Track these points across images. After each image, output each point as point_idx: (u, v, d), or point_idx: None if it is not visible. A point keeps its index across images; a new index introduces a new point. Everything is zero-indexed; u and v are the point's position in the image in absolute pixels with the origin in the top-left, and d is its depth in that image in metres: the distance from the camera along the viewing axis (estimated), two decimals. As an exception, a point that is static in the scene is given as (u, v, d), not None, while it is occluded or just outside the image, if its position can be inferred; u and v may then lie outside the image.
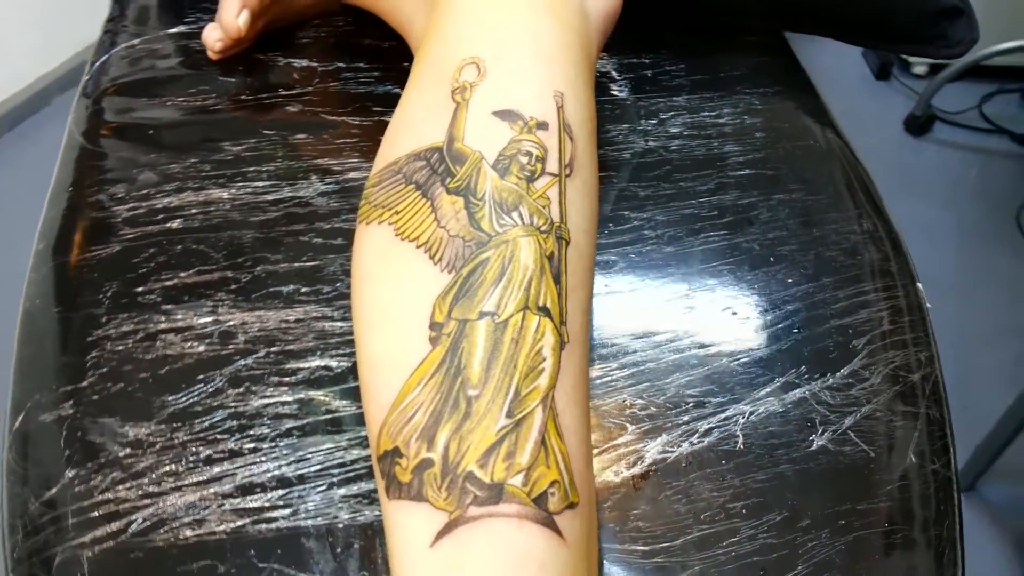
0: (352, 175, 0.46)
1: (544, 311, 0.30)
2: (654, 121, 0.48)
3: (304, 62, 0.53)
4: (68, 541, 0.32)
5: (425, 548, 0.27)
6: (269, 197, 0.44)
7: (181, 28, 0.55)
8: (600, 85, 0.51)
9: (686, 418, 0.34)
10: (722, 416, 0.34)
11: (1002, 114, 2.00)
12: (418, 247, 0.31)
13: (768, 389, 0.35)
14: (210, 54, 0.51)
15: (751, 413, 0.34)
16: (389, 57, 0.53)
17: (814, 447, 0.33)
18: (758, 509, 0.32)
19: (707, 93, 0.49)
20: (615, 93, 0.50)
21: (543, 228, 0.31)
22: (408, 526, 0.27)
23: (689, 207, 0.42)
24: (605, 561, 0.31)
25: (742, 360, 0.36)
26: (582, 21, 0.38)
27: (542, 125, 0.33)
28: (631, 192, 0.43)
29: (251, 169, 0.46)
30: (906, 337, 0.37)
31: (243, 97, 0.50)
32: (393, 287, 0.31)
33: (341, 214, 0.43)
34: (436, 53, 0.36)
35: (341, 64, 0.53)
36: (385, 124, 0.49)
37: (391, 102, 0.50)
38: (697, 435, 0.34)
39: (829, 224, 0.42)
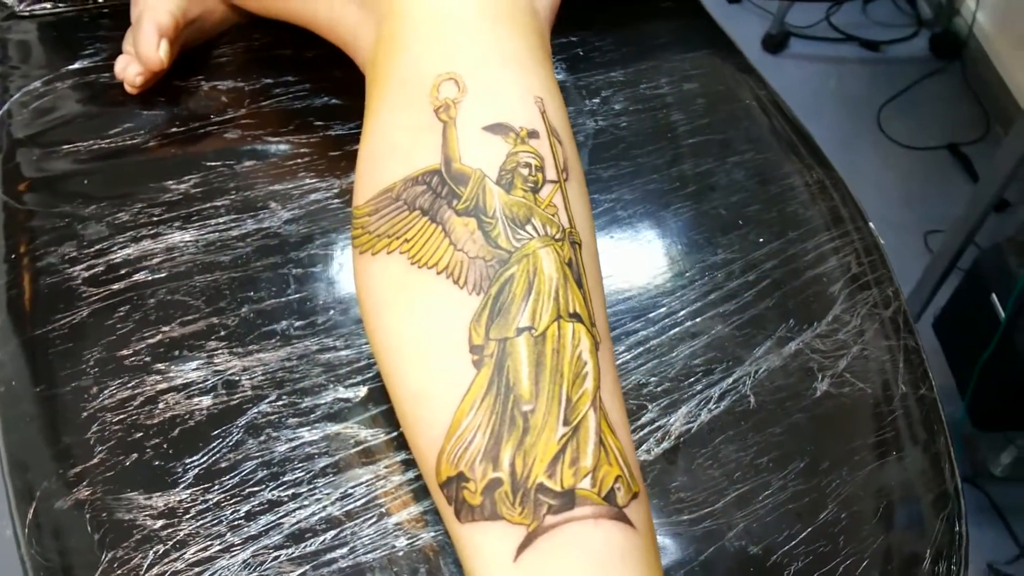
0: (313, 196, 0.45)
1: (575, 317, 0.31)
2: (597, 100, 0.49)
3: (229, 83, 0.51)
4: (126, 626, 0.31)
5: (508, 564, 0.28)
6: (234, 233, 0.43)
7: (83, 63, 0.52)
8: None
9: (699, 387, 0.37)
10: (731, 380, 0.37)
11: (849, 22, 2.12)
12: (439, 273, 0.31)
13: (765, 346, 0.38)
14: (129, 89, 0.48)
15: (756, 372, 0.37)
16: (316, 67, 0.52)
17: (818, 393, 0.36)
18: (782, 460, 0.35)
19: (641, 64, 0.51)
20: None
21: (557, 237, 0.32)
22: (487, 546, 0.28)
23: (652, 182, 0.44)
24: (658, 536, 0.33)
25: (736, 323, 0.39)
26: (534, 19, 0.39)
27: (533, 134, 0.33)
28: (595, 175, 0.44)
29: (206, 206, 0.44)
30: (871, 278, 0.40)
31: (174, 130, 0.48)
32: (421, 316, 0.31)
33: (314, 239, 0.43)
34: (405, 70, 0.36)
35: (268, 80, 0.51)
36: (332, 138, 0.48)
37: (332, 114, 0.49)
38: (712, 401, 0.36)
39: (783, 180, 0.44)
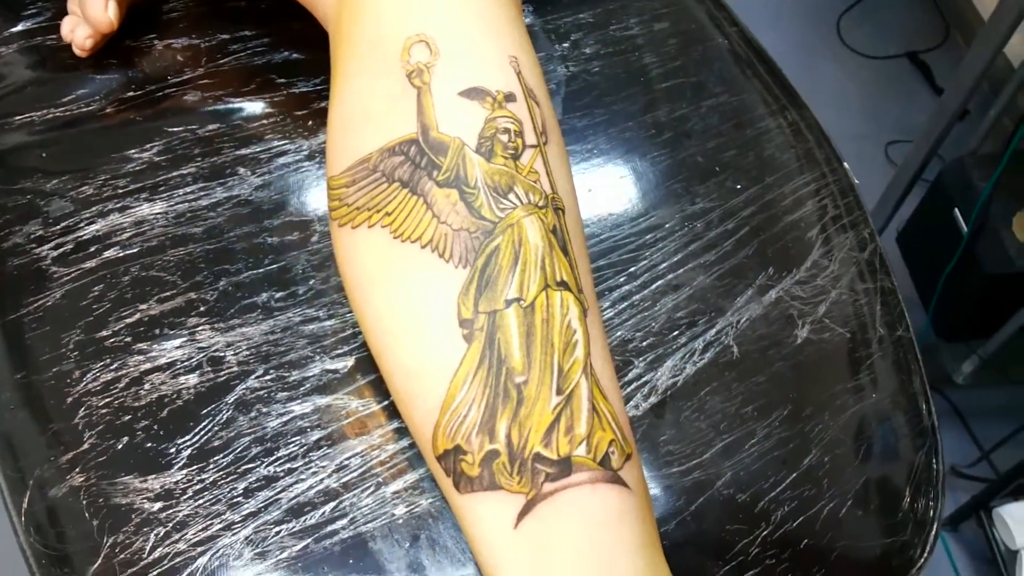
0: (282, 160, 0.44)
1: (563, 285, 0.31)
2: (567, 44, 0.48)
3: (184, 40, 0.49)
4: (135, 608, 0.32)
5: (509, 531, 0.29)
6: (204, 202, 0.42)
7: (27, 24, 0.49)
8: (502, 13, 0.50)
9: (683, 340, 0.37)
10: (714, 331, 0.37)
11: (805, -71, 2.08)
12: (423, 247, 0.31)
13: (746, 296, 0.38)
14: (78, 52, 0.46)
15: (738, 322, 0.37)
16: (273, 19, 0.50)
17: (799, 341, 0.37)
18: (766, 409, 0.36)
19: (609, 4, 0.50)
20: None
21: (540, 204, 0.32)
22: (487, 514, 0.29)
23: (628, 130, 0.44)
24: (650, 488, 0.34)
25: (716, 273, 0.39)
26: None
27: (510, 97, 0.33)
28: (569, 124, 0.44)
29: (173, 175, 0.43)
30: (846, 220, 0.41)
31: (130, 94, 0.46)
32: (409, 292, 0.31)
33: (287, 205, 0.42)
34: (373, 31, 0.35)
35: (224, 36, 0.49)
36: (296, 96, 0.47)
37: (294, 70, 0.47)
38: (697, 354, 0.37)
39: (758, 122, 0.44)
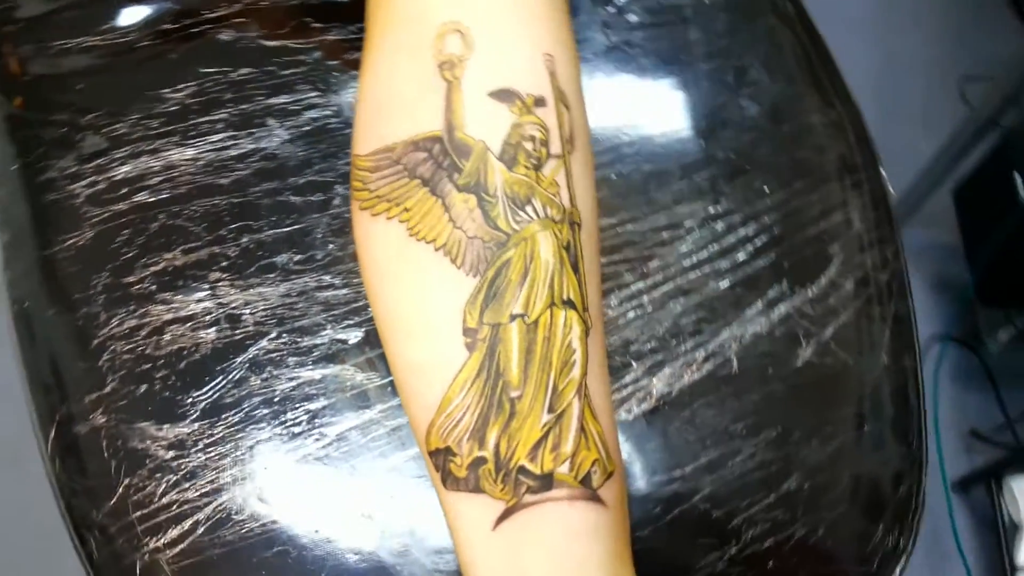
0: (310, 115, 0.44)
1: (568, 303, 0.31)
2: (613, 9, 0.46)
3: (222, -31, 0.48)
4: (143, 548, 0.35)
5: (488, 532, 0.31)
6: (232, 153, 0.42)
7: (69, -62, 0.48)
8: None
9: (684, 348, 0.38)
10: (717, 342, 0.38)
11: None
12: (436, 249, 0.31)
13: (755, 309, 0.38)
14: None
15: (742, 336, 0.38)
16: (315, -49, 0.48)
17: (800, 363, 0.37)
18: (755, 427, 0.36)
19: (663, -35, 0.47)
20: (568, -25, 0.47)
21: (557, 219, 0.32)
22: (469, 514, 0.31)
23: (661, 114, 0.43)
24: (629, 494, 0.36)
25: (729, 281, 0.39)
26: None
27: (539, 101, 0.32)
28: (601, 103, 0.43)
29: (203, 120, 0.43)
30: (874, 236, 0.40)
31: (166, 27, 0.46)
32: (419, 292, 0.32)
33: (312, 164, 0.42)
34: (404, 10, 0.34)
35: (264, -33, 0.48)
36: (330, 44, 0.46)
37: (330, 14, 0.46)
38: (696, 364, 0.37)
39: (798, 118, 0.43)
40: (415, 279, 0.32)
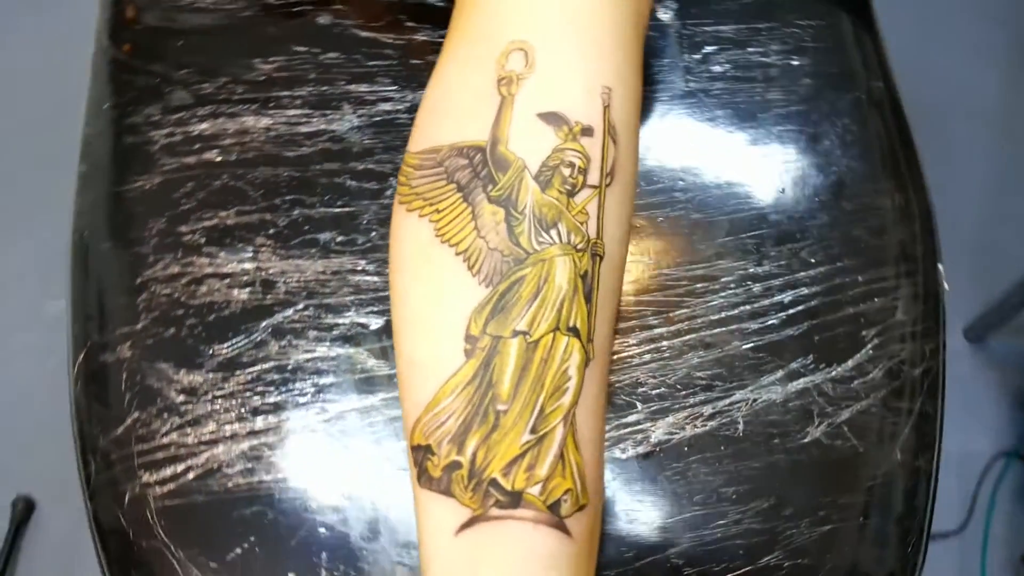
0: (384, 107, 0.45)
1: (573, 331, 0.31)
2: (697, 56, 0.46)
3: (334, -41, 0.50)
4: (136, 479, 0.37)
5: (450, 536, 0.31)
6: (303, 129, 0.44)
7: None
8: (646, 5, 0.48)
9: (693, 401, 0.37)
10: (727, 401, 0.37)
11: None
12: (457, 254, 0.32)
13: (774, 377, 0.37)
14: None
15: (754, 401, 0.37)
16: (423, -44, 0.50)
17: (808, 439, 0.36)
18: (748, 495, 0.35)
19: (756, 23, 0.47)
20: (660, 16, 0.48)
21: (579, 247, 0.32)
22: (436, 515, 0.31)
23: (724, 168, 0.42)
24: (603, 532, 0.35)
25: (753, 343, 0.38)
26: None
27: (587, 131, 0.33)
28: (664, 145, 0.43)
29: (284, 94, 0.45)
30: (917, 329, 0.39)
31: (273, 1, 0.48)
32: (432, 292, 0.33)
33: (374, 153, 0.44)
34: (479, 26, 0.35)
35: (373, -38, 0.50)
36: (417, 44, 0.48)
37: (424, 16, 0.48)
38: (701, 419, 0.37)
39: (862, 197, 0.42)
40: (432, 278, 0.33)
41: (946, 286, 0.41)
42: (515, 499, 0.30)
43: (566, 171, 0.32)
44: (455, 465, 0.31)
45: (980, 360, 1.28)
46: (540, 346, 0.31)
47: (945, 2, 1.46)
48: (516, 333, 0.31)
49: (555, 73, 0.33)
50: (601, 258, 0.32)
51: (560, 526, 0.30)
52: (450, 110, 0.35)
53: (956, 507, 1.15)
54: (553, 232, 0.32)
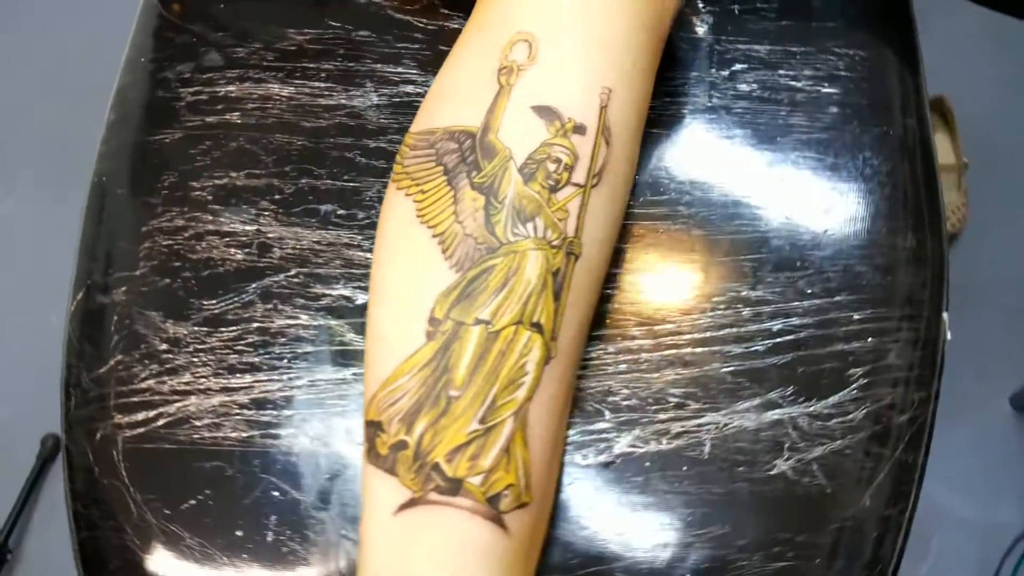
0: (406, 88, 0.46)
1: (536, 327, 0.31)
2: (725, 73, 0.45)
3: (381, -60, 0.51)
4: (109, 419, 0.38)
5: (388, 515, 0.31)
6: (323, 102, 0.45)
7: None
8: (683, 17, 0.48)
9: (662, 416, 0.36)
10: (696, 422, 0.36)
11: None
12: (434, 236, 0.32)
13: (750, 404, 0.36)
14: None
15: (725, 425, 0.36)
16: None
17: (774, 472, 0.35)
18: (703, 519, 0.35)
19: (792, 46, 0.46)
20: (696, 30, 0.47)
21: (554, 243, 0.32)
22: (378, 492, 0.31)
23: (734, 185, 0.42)
24: (549, 534, 0.35)
25: (734, 368, 0.37)
26: None
27: (579, 129, 0.32)
28: (676, 157, 0.42)
29: (311, 66, 0.46)
30: (911, 375, 0.37)
31: (316, -25, 0.49)
32: (405, 270, 0.33)
33: (388, 133, 0.44)
34: (493, 14, 0.35)
35: (419, -53, 0.50)
36: (448, 31, 0.48)
37: (457, 4, 0.48)
38: (668, 436, 0.36)
39: (873, 234, 0.40)
40: (407, 256, 0.33)
41: (949, 336, 0.39)
42: (455, 486, 0.30)
43: (551, 166, 0.32)
44: (402, 444, 0.31)
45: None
46: (500, 337, 0.31)
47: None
48: (478, 321, 0.31)
49: (555, 67, 0.33)
50: (576, 257, 0.32)
51: (497, 519, 0.30)
52: (451, 94, 0.35)
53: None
54: (530, 225, 0.32)
